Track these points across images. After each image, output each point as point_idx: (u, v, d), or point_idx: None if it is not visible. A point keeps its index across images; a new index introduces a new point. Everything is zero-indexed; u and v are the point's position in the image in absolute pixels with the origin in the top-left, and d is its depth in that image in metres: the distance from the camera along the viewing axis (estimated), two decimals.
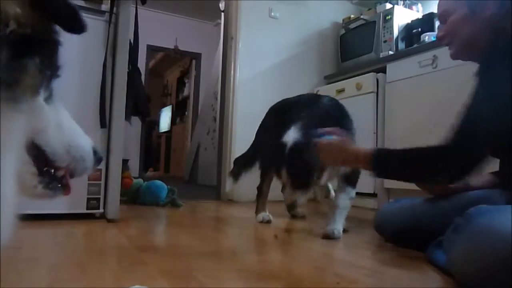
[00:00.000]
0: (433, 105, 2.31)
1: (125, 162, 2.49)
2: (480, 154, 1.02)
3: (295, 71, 3.32)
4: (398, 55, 2.66)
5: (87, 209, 1.76)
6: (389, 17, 2.91)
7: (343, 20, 3.48)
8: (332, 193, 2.12)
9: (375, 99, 2.71)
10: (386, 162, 1.19)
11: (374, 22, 3.02)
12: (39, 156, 0.53)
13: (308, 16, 3.44)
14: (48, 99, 0.52)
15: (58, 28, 0.49)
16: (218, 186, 3.13)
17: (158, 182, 2.58)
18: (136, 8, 1.97)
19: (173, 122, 7.78)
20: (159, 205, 2.45)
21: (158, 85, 8.47)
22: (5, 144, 0.42)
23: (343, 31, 3.39)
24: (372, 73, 2.76)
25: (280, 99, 2.05)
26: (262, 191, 1.97)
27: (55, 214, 1.65)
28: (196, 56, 6.51)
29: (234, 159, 2.29)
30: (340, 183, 1.65)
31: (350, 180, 1.62)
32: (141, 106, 2.54)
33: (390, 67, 2.68)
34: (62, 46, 0.51)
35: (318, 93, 2.93)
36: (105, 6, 1.85)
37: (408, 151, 1.14)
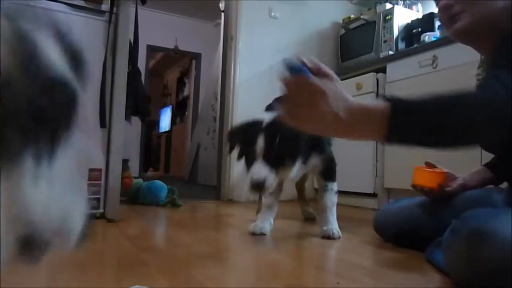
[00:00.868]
0: None
1: (125, 162, 2.49)
2: None
3: None
4: (398, 55, 2.66)
5: None
6: (389, 17, 2.91)
7: (343, 20, 3.48)
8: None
9: (375, 99, 2.71)
10: (412, 123, 0.72)
11: (374, 22, 3.02)
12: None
13: (308, 16, 3.44)
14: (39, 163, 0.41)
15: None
16: (218, 186, 3.13)
17: (158, 182, 2.58)
18: (136, 8, 1.98)
19: (173, 122, 7.78)
20: (159, 205, 2.45)
21: (158, 85, 8.47)
22: None
23: (343, 31, 3.39)
24: (372, 73, 2.76)
25: None
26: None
27: None
28: (196, 56, 6.51)
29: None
30: (319, 181, 1.60)
31: (328, 174, 1.57)
32: (141, 106, 2.53)
33: (390, 67, 2.68)
34: None
35: None
36: (105, 6, 1.84)
37: (445, 102, 0.76)
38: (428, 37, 2.60)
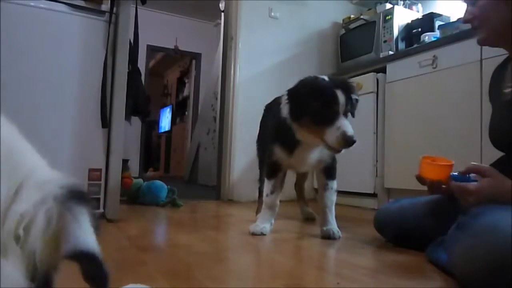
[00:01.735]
0: (433, 105, 2.31)
1: (125, 162, 2.49)
2: None
3: (295, 71, 3.31)
4: (398, 55, 2.66)
5: None
6: (389, 17, 2.91)
7: (343, 20, 3.48)
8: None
9: (375, 99, 2.71)
10: None
11: (374, 22, 3.02)
12: None
13: (308, 16, 3.44)
14: None
15: None
16: (218, 186, 3.13)
17: (158, 182, 2.58)
18: (136, 8, 1.98)
19: (173, 122, 7.78)
20: (159, 205, 2.45)
21: (158, 85, 8.48)
22: None
23: (343, 31, 3.39)
24: (372, 73, 2.76)
25: None
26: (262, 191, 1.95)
27: None
28: (196, 56, 6.51)
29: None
30: (320, 179, 1.60)
31: (329, 173, 1.58)
32: (141, 106, 2.53)
33: (390, 67, 2.68)
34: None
35: None
36: (105, 6, 1.85)
37: None
38: (428, 37, 2.60)
